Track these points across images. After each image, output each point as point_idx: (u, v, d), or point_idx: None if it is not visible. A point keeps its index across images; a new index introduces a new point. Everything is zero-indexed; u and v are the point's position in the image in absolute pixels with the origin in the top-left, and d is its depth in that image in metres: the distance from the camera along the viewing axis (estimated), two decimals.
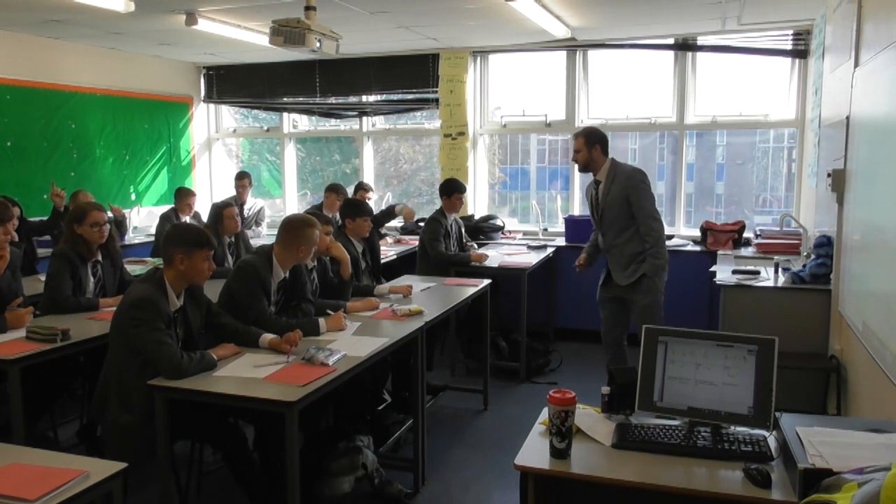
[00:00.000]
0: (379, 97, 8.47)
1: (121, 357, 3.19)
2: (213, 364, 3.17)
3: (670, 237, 6.94)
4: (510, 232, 7.78)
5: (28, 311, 3.92)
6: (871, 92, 3.58)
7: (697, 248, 6.58)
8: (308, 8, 4.61)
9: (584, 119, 7.60)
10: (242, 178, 8.01)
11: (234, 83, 8.89)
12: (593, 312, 6.85)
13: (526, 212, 8.27)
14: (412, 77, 8.03)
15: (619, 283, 4.78)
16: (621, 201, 4.69)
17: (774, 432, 2.35)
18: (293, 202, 9.14)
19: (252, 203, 8.15)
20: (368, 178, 8.57)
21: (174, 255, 3.27)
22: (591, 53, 7.48)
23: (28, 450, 2.41)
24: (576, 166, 4.99)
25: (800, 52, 6.60)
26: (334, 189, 7.06)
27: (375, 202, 8.04)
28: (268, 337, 3.47)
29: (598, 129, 4.90)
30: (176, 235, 3.39)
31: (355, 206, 5.13)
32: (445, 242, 6.02)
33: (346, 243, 4.92)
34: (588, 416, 2.56)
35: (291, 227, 3.89)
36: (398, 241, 7.38)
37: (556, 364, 6.24)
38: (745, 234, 6.68)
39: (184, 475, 3.61)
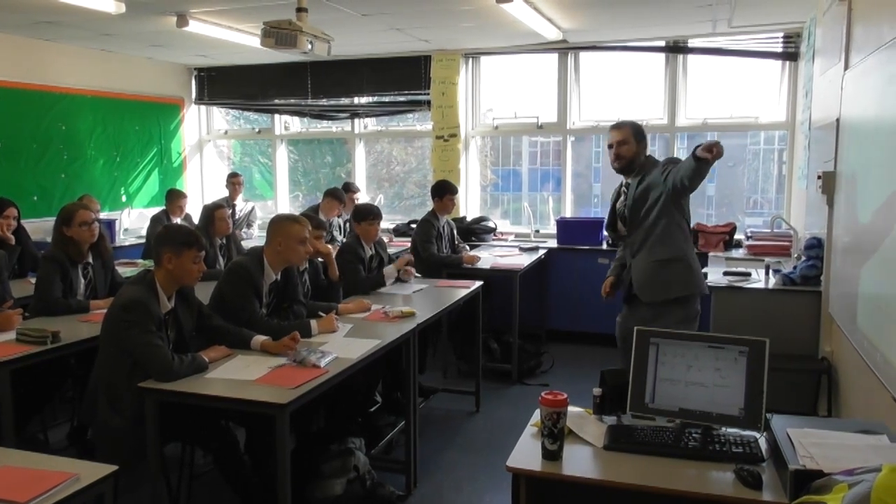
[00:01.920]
0: (371, 99, 8.46)
1: (111, 359, 3.18)
2: (203, 366, 3.16)
3: None
4: (502, 234, 7.79)
5: (17, 313, 3.90)
6: (861, 94, 3.60)
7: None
8: (299, 9, 4.61)
9: (576, 121, 7.62)
10: (235, 177, 8.01)
11: (225, 85, 8.88)
12: (585, 314, 6.94)
13: (518, 213, 8.29)
14: (404, 79, 8.03)
15: (644, 301, 3.95)
16: (652, 192, 3.88)
17: (765, 433, 2.36)
18: (285, 204, 9.13)
19: (243, 205, 8.14)
20: (360, 179, 8.58)
21: (163, 255, 3.26)
22: (583, 55, 7.50)
23: (18, 452, 2.39)
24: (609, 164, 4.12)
25: (790, 54, 6.63)
26: (334, 195, 7.05)
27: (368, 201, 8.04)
28: (260, 339, 3.46)
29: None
30: (166, 236, 3.38)
31: (360, 211, 5.09)
32: (437, 244, 6.02)
33: (357, 246, 4.92)
34: (580, 418, 2.57)
35: (273, 225, 3.89)
36: (389, 242, 7.38)
37: (548, 366, 6.24)
38: (736, 236, 6.70)
39: (174, 478, 3.59)
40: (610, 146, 4.03)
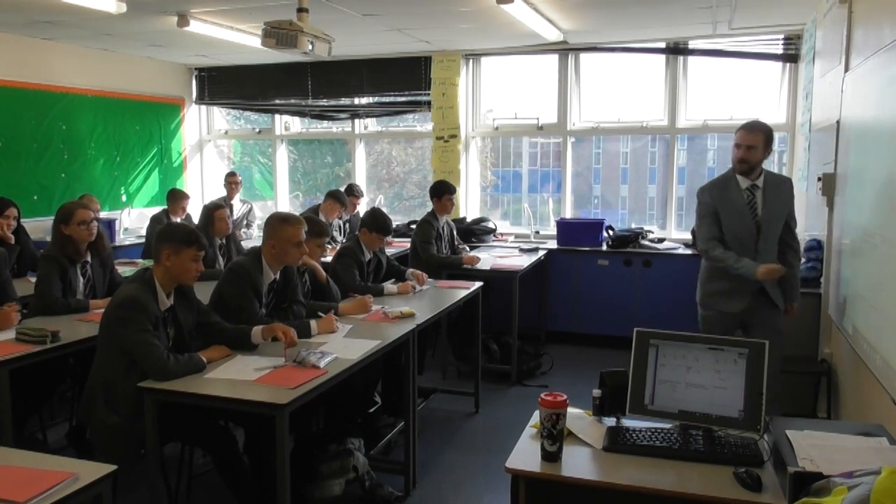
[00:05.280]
0: (371, 99, 8.46)
1: (109, 357, 3.17)
2: (201, 366, 3.15)
3: (661, 240, 6.97)
4: (502, 234, 7.79)
5: (14, 310, 3.89)
6: (861, 96, 3.60)
7: (688, 252, 6.59)
8: (300, 10, 4.61)
9: (576, 122, 7.62)
10: (232, 177, 8.01)
11: (225, 84, 8.88)
12: (585, 316, 6.94)
13: (518, 214, 8.29)
14: (404, 79, 8.03)
15: (779, 306, 4.03)
16: (784, 211, 4.01)
17: (765, 435, 2.36)
18: (284, 204, 9.12)
19: (240, 205, 8.13)
20: (360, 180, 8.57)
21: (162, 252, 3.26)
22: (583, 57, 7.50)
23: (17, 452, 2.39)
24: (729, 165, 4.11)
25: (790, 56, 6.63)
26: (336, 196, 7.04)
27: (367, 204, 8.04)
28: (259, 329, 3.45)
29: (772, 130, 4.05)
30: (166, 233, 3.37)
31: (376, 222, 4.94)
32: (437, 245, 6.02)
33: (356, 250, 4.91)
34: (579, 419, 2.57)
35: (267, 225, 3.88)
36: (389, 244, 7.37)
37: (548, 367, 6.24)
38: None
39: (173, 478, 3.59)
40: (738, 146, 3.97)
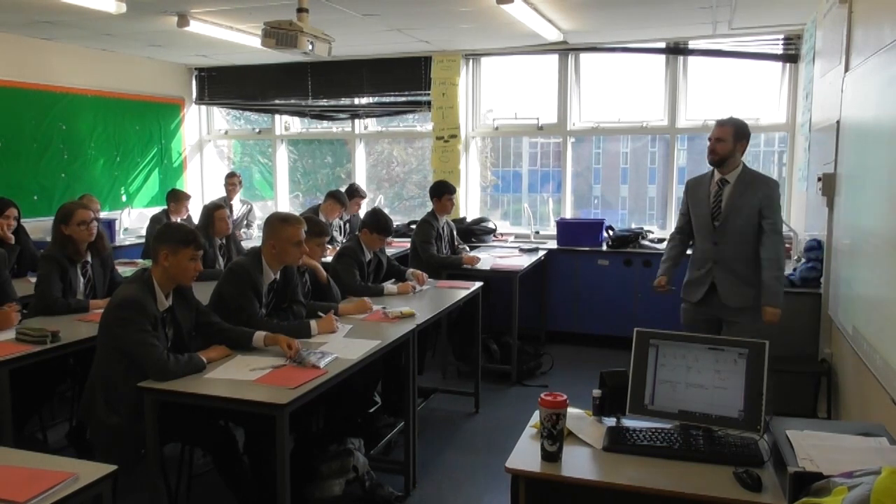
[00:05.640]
0: (371, 99, 8.46)
1: (108, 357, 3.17)
2: (201, 366, 3.15)
3: (661, 240, 6.96)
4: (502, 235, 7.78)
5: (14, 310, 3.89)
6: (861, 97, 3.60)
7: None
8: (300, 10, 4.61)
9: (576, 122, 7.62)
10: (232, 177, 8.01)
11: (225, 85, 8.88)
12: (585, 315, 6.94)
13: (518, 214, 8.29)
14: (404, 79, 8.03)
15: (728, 305, 4.05)
16: (753, 210, 4.00)
17: (765, 435, 2.36)
18: (284, 204, 9.12)
19: (240, 205, 8.12)
20: (360, 180, 8.56)
21: (160, 252, 3.26)
22: (584, 57, 7.50)
23: (17, 452, 2.39)
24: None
25: (790, 56, 6.63)
26: (336, 197, 7.03)
27: (367, 204, 8.04)
28: (262, 335, 3.45)
29: (748, 127, 4.13)
30: (164, 233, 3.37)
31: (377, 223, 4.94)
32: (437, 245, 6.02)
33: (357, 250, 4.91)
34: (579, 419, 2.57)
35: (267, 225, 3.88)
36: (389, 244, 7.36)
37: (548, 367, 6.24)
38: None
39: (174, 478, 3.59)
40: (709, 139, 4.15)
